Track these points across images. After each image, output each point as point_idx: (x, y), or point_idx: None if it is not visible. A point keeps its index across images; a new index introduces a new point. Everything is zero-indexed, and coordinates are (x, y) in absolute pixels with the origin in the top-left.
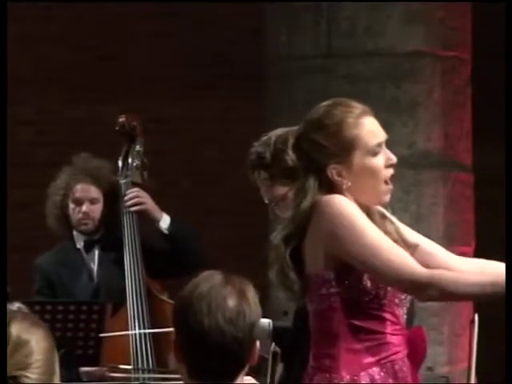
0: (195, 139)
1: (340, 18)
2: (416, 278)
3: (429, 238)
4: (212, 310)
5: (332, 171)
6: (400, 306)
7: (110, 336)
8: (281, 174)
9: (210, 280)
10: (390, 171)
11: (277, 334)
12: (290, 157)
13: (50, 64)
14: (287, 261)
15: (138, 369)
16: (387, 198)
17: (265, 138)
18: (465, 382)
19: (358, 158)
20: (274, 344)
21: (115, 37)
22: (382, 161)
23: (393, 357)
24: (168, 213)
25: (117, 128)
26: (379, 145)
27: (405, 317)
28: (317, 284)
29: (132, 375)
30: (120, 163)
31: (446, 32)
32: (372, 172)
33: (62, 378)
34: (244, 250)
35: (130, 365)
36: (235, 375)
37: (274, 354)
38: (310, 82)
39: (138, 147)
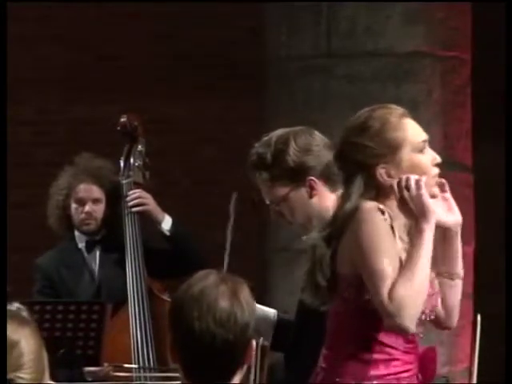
0: (195, 139)
1: (340, 17)
2: (385, 304)
3: None
4: (203, 313)
5: (381, 172)
6: (418, 325)
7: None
8: (282, 175)
9: (203, 280)
10: (436, 170)
11: (283, 325)
12: (291, 157)
13: (50, 64)
14: (326, 261)
15: (141, 368)
16: (436, 189)
17: (265, 138)
18: (465, 381)
19: (406, 155)
20: (261, 339)
21: (115, 37)
22: (429, 158)
23: (401, 374)
24: (168, 213)
25: (118, 128)
26: (424, 143)
27: (421, 335)
28: (341, 286)
29: (135, 374)
30: (122, 163)
31: (446, 32)
32: (421, 168)
33: (65, 378)
34: (244, 249)
35: (130, 363)
36: (230, 376)
37: (262, 348)
38: (309, 82)
39: (139, 147)
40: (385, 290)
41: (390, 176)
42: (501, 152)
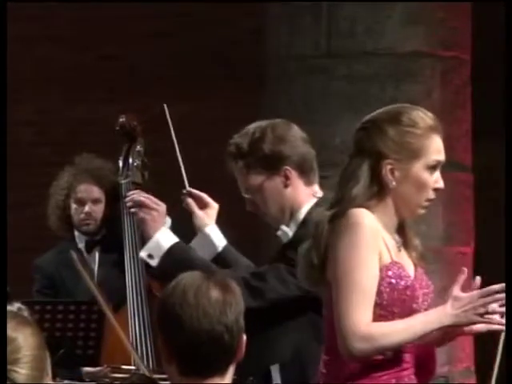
0: (195, 139)
1: (340, 17)
2: (355, 329)
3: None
4: (193, 306)
5: (387, 167)
6: None
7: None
8: (257, 163)
9: (189, 277)
10: (433, 195)
11: (223, 260)
12: (267, 145)
13: (50, 64)
14: (324, 240)
15: (139, 369)
16: (422, 212)
17: (244, 130)
18: (465, 381)
19: (416, 167)
20: (251, 378)
21: (115, 37)
22: (433, 180)
23: (400, 373)
24: (168, 213)
25: (117, 128)
26: (438, 164)
27: None
28: (329, 291)
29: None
30: (120, 163)
31: (446, 32)
32: (422, 186)
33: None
34: (244, 249)
35: (129, 365)
36: (226, 369)
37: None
38: (309, 82)
39: (138, 147)
40: (357, 314)
41: (392, 175)
42: (501, 152)
